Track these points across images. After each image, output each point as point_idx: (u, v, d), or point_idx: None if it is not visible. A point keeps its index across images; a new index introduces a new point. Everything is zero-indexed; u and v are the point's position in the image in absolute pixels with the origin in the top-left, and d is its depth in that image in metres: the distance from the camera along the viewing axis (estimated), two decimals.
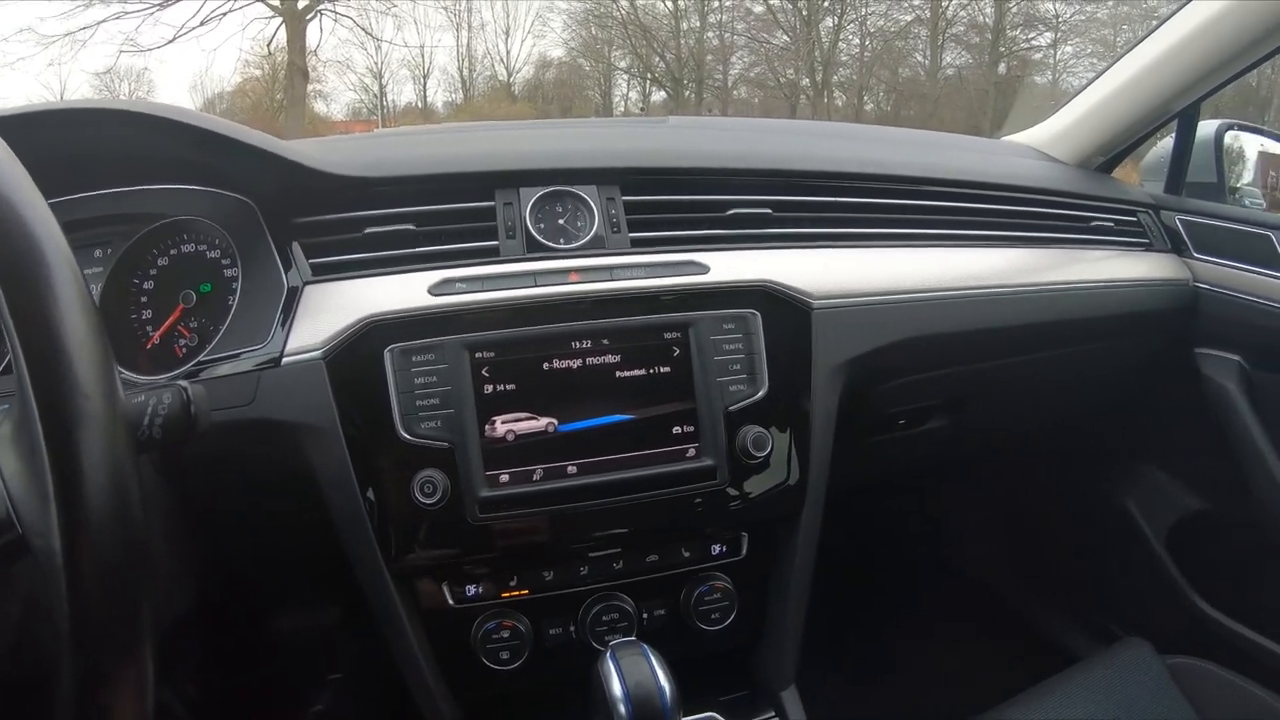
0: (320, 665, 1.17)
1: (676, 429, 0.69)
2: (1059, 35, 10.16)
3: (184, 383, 0.45)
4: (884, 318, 0.77)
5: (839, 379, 0.74)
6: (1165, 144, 1.22)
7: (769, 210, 0.78)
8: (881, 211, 0.85)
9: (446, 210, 0.73)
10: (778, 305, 0.72)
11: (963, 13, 11.13)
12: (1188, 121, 1.12)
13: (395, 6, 11.68)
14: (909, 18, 11.32)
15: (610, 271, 0.71)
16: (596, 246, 0.74)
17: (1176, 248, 1.09)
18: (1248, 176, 1.25)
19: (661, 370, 0.69)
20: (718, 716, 0.71)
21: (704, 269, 0.72)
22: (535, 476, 0.66)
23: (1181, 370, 1.09)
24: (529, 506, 0.66)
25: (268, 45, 10.89)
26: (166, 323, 0.69)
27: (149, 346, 0.69)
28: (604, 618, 0.71)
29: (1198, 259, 1.08)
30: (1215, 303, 1.06)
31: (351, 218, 0.71)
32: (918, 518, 1.49)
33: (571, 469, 0.67)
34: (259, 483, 0.71)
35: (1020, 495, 1.39)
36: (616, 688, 0.55)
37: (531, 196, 0.74)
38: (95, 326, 0.37)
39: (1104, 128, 1.11)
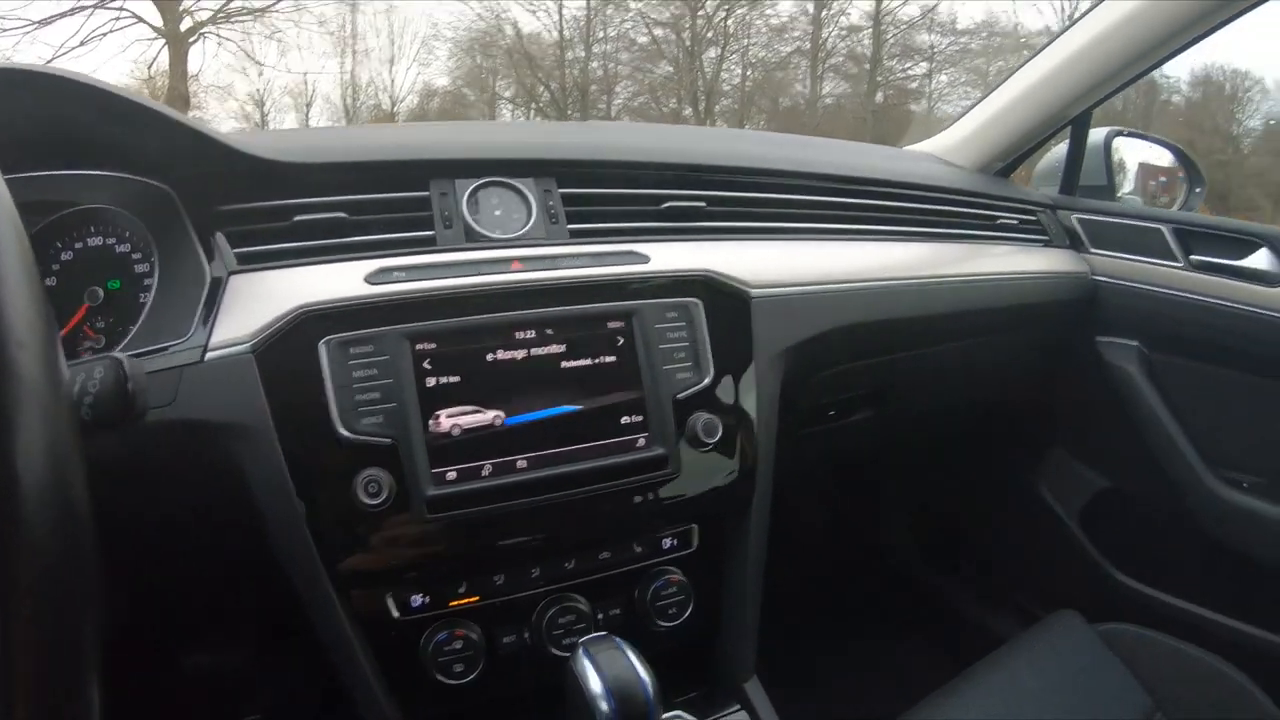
0: (236, 706, 1.08)
1: (625, 418, 0.68)
2: (934, 65, 10.87)
3: (120, 354, 0.40)
4: (817, 306, 0.80)
5: (779, 367, 0.75)
6: (1056, 151, 1.32)
7: (703, 204, 0.80)
8: (809, 207, 0.89)
9: (380, 199, 0.70)
10: (718, 295, 0.73)
11: (841, 44, 11.73)
12: (1080, 128, 1.21)
13: (280, 32, 11.39)
14: (789, 49, 11.84)
15: (553, 260, 0.71)
16: (536, 237, 0.73)
17: (1074, 244, 1.18)
18: (1128, 186, 1.36)
19: (607, 360, 0.68)
20: (684, 715, 0.70)
21: (645, 259, 0.73)
22: (484, 472, 0.64)
23: (1085, 358, 1.17)
24: (479, 504, 0.63)
25: (149, 68, 10.35)
26: (69, 324, 0.64)
27: None
28: (560, 620, 0.69)
29: (1094, 253, 1.17)
30: (1113, 293, 1.14)
31: (279, 205, 0.67)
32: (845, 510, 1.53)
33: (521, 463, 0.65)
34: (182, 493, 0.65)
35: (940, 485, 1.45)
36: (595, 684, 0.53)
37: (468, 187, 0.73)
38: (31, 272, 0.31)
39: (1002, 135, 1.20)
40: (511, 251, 0.71)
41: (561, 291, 0.69)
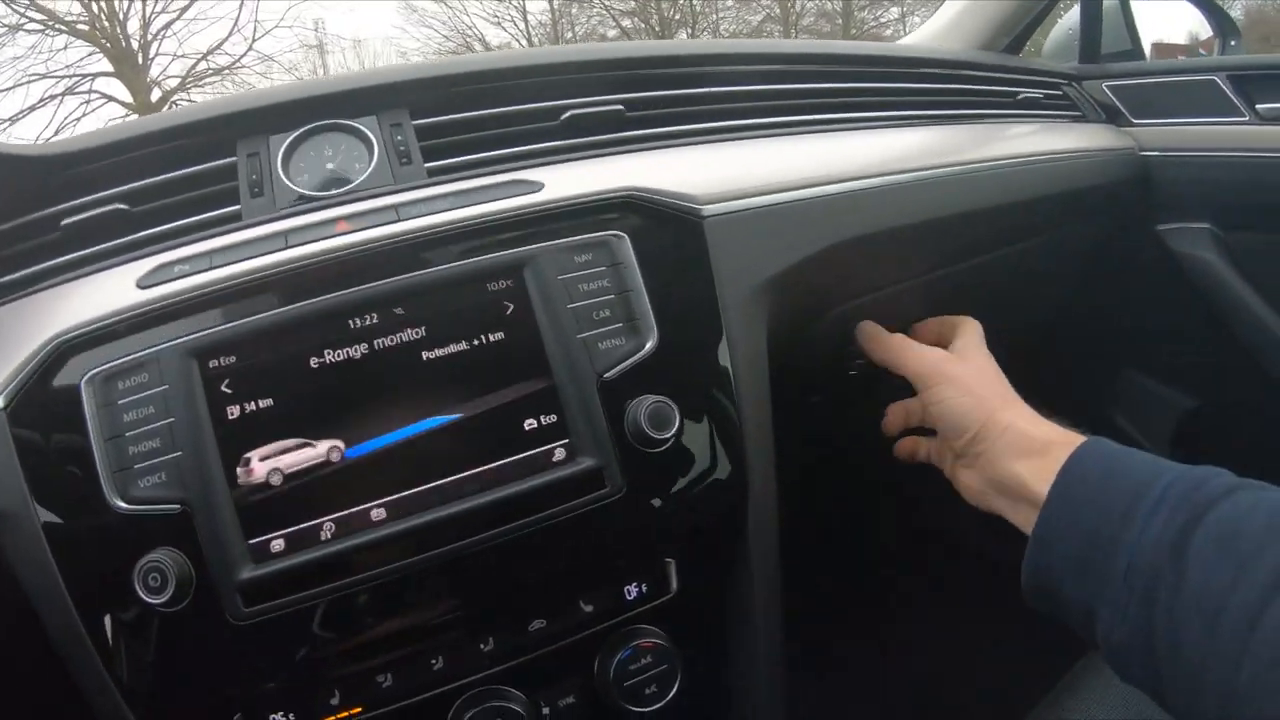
0: None
1: (531, 422, 0.45)
2: (905, 8, 10.51)
3: None
4: (802, 219, 0.55)
5: (760, 311, 0.52)
6: (1065, 21, 1.09)
7: (620, 108, 0.56)
8: (771, 99, 0.65)
9: (171, 180, 0.51)
10: (652, 221, 0.50)
11: (810, 4, 11.32)
12: None
13: (251, 86, 11.24)
14: (759, 18, 11.39)
15: (395, 211, 0.48)
16: (377, 185, 0.51)
17: (1111, 118, 0.94)
18: None
19: (492, 339, 0.45)
20: None
21: (535, 186, 0.49)
22: (324, 534, 0.42)
23: (1148, 254, 0.94)
24: (322, 583, 0.42)
25: None
26: None
27: None
28: None
29: (1139, 124, 0.93)
30: (1168, 167, 0.91)
31: (41, 217, 0.49)
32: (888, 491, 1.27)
33: (377, 513, 0.43)
34: None
35: None
36: None
37: (285, 139, 0.53)
38: None
39: (998, 4, 0.96)
40: (339, 210, 0.49)
41: (410, 250, 0.46)
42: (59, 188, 0.51)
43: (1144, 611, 0.36)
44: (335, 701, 0.45)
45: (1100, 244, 0.93)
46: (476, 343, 0.45)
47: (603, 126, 0.55)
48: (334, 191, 0.51)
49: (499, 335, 0.45)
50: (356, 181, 0.51)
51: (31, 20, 8.43)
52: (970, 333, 0.56)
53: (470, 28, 11.49)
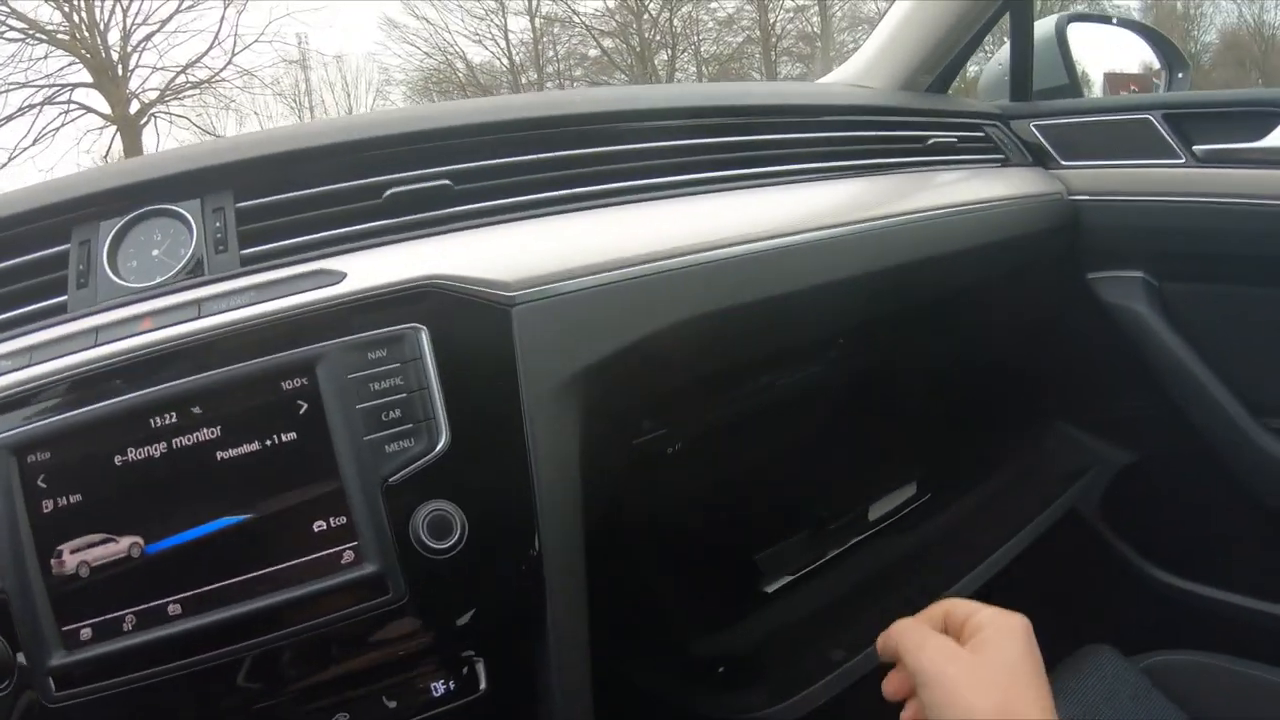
0: None
1: (320, 524, 0.45)
2: None
3: None
4: (638, 297, 0.54)
5: (574, 404, 0.50)
6: (1000, 55, 1.05)
7: (447, 182, 0.55)
8: (633, 160, 0.63)
9: (5, 270, 0.52)
10: (457, 311, 0.49)
11: (790, 26, 11.46)
12: (1021, 17, 0.94)
13: (233, 101, 11.36)
14: (739, 39, 11.57)
15: (198, 307, 0.48)
16: (195, 275, 0.51)
17: (1040, 160, 0.91)
18: None
19: (284, 439, 0.45)
20: None
21: (337, 277, 0.49)
22: (126, 626, 0.43)
23: (1078, 305, 0.90)
24: (124, 672, 0.43)
25: (104, 157, 10.15)
26: None
27: None
28: None
29: (1068, 167, 0.90)
30: (1099, 212, 0.87)
31: None
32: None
33: (173, 608, 0.43)
34: None
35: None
36: None
37: (114, 226, 0.52)
38: None
39: (920, 40, 0.92)
40: (148, 305, 0.49)
41: (209, 349, 0.46)
42: None
43: None
44: None
45: (1027, 298, 0.89)
46: (269, 443, 0.45)
47: (428, 203, 0.55)
48: (147, 284, 0.50)
49: (291, 435, 0.45)
50: (170, 274, 0.51)
51: (11, 29, 8.59)
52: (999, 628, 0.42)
53: (451, 45, 11.60)
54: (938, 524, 0.92)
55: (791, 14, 11.39)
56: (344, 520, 0.45)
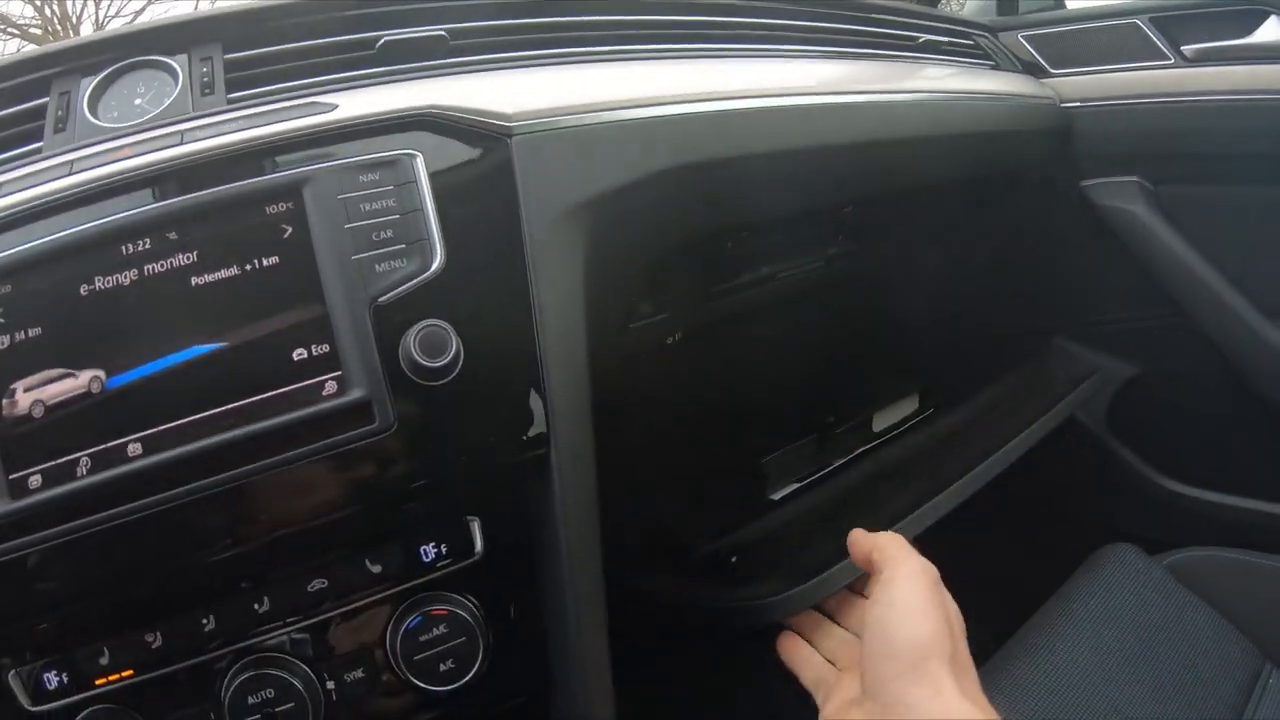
0: None
1: (301, 352, 0.41)
2: None
3: None
4: (653, 135, 0.52)
5: (574, 237, 0.48)
6: None
7: (443, 33, 0.53)
8: (638, 28, 0.61)
9: None
10: (454, 140, 0.47)
11: None
12: None
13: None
14: None
15: (180, 135, 0.45)
16: (174, 115, 0.49)
17: (1030, 71, 0.91)
18: None
19: (266, 263, 0.42)
20: None
21: (329, 107, 0.47)
22: (81, 470, 0.39)
23: (1073, 213, 0.90)
24: (79, 516, 0.39)
25: None
26: None
27: None
28: (257, 695, 0.42)
29: (1058, 74, 0.89)
30: (1092, 119, 0.87)
31: None
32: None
33: (134, 448, 0.40)
34: None
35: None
36: None
37: (94, 79, 0.51)
38: None
39: None
40: (126, 140, 0.47)
41: (189, 173, 0.43)
42: None
43: None
44: (105, 661, 0.42)
45: (1021, 204, 0.89)
46: (249, 268, 0.42)
47: (422, 53, 0.53)
48: (130, 122, 0.49)
49: (273, 260, 0.42)
50: (156, 111, 0.49)
51: None
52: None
53: None
54: (938, 431, 0.90)
55: None
56: (326, 348, 0.42)
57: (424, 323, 0.41)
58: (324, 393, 0.41)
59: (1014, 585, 0.80)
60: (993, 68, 0.87)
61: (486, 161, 0.47)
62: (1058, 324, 0.97)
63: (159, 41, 0.52)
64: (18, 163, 0.48)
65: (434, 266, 0.43)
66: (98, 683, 0.42)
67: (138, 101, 0.51)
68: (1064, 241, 0.92)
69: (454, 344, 0.41)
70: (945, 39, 0.84)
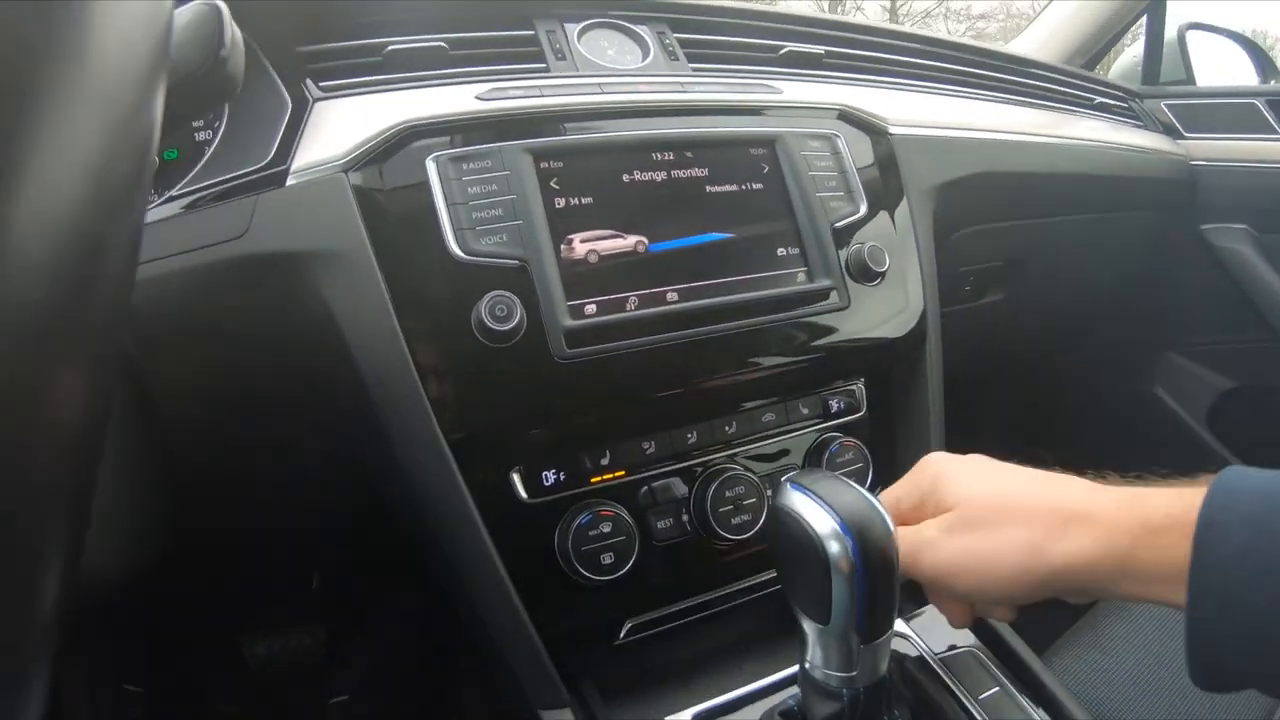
0: (317, 691, 0.93)
1: (781, 250, 0.59)
2: None
3: None
4: (958, 149, 0.74)
5: (928, 207, 0.68)
6: (1131, 52, 1.27)
7: (824, 49, 0.73)
8: (929, 68, 0.84)
9: (483, 36, 0.62)
10: (857, 128, 0.67)
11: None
12: (1155, 19, 1.16)
13: None
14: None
15: (682, 86, 0.62)
16: (657, 70, 0.65)
17: (1168, 132, 1.12)
18: None
19: (755, 186, 0.59)
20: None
21: (777, 90, 0.65)
22: (630, 306, 0.53)
23: (1192, 249, 1.10)
24: (625, 337, 0.53)
25: None
26: None
27: None
28: (727, 495, 0.57)
29: (1190, 138, 1.10)
30: (1214, 176, 1.08)
31: (369, 44, 0.59)
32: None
33: (672, 295, 0.55)
34: (254, 352, 0.54)
35: (1054, 395, 1.35)
36: (822, 520, 0.38)
37: (578, 25, 0.65)
38: None
39: (1080, 28, 1.14)
40: (637, 77, 0.63)
41: (696, 114, 0.61)
42: (375, 26, 0.59)
43: None
44: (606, 462, 0.56)
45: (1152, 234, 1.09)
46: (744, 187, 0.59)
47: (809, 63, 0.72)
48: (626, 67, 0.64)
49: (759, 185, 0.59)
50: (642, 64, 0.64)
51: None
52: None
53: None
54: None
55: None
56: (797, 250, 0.59)
57: (870, 243, 0.59)
58: (796, 279, 0.58)
59: None
60: (1140, 127, 1.08)
61: (877, 148, 0.66)
62: (1172, 342, 1.17)
63: (622, 10, 0.67)
64: (529, 75, 0.60)
65: (862, 209, 0.62)
66: (593, 480, 0.56)
67: (610, 52, 0.65)
68: (1182, 273, 1.12)
69: (887, 257, 0.59)
70: (1109, 100, 1.05)
